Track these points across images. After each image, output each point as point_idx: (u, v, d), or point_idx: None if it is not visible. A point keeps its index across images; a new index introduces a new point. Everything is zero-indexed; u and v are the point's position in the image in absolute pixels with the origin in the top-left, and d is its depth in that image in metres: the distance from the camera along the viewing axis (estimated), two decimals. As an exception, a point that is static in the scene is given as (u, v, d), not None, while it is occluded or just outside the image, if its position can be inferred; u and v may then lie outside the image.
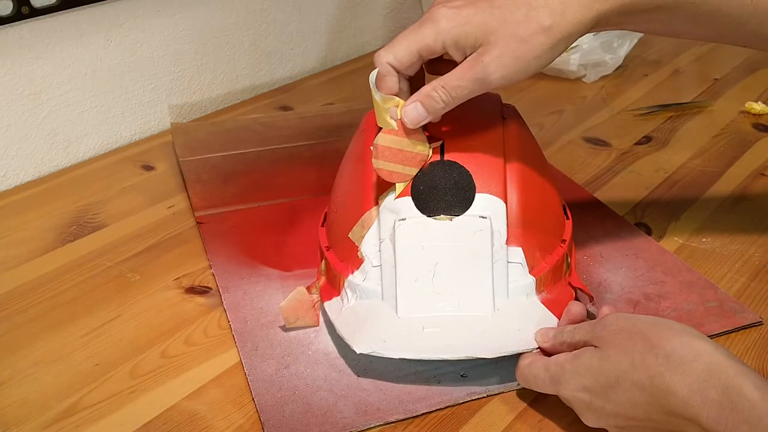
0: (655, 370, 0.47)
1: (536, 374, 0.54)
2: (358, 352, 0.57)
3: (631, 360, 0.48)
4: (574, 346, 0.53)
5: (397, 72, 0.57)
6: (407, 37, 0.56)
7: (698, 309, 0.64)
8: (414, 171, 0.60)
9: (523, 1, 0.53)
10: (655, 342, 0.48)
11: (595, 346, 0.51)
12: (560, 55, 0.55)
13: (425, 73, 0.61)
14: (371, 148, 0.58)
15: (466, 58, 0.55)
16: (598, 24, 0.55)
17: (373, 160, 0.58)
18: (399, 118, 0.57)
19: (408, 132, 0.58)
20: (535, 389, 0.55)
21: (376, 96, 0.58)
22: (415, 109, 0.57)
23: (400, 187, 0.59)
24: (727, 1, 0.55)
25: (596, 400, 0.50)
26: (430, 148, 0.60)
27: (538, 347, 0.56)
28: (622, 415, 0.49)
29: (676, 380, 0.46)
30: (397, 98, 0.57)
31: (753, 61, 1.14)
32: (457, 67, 0.55)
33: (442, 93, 0.55)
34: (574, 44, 1.07)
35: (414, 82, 0.59)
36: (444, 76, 0.55)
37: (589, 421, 0.51)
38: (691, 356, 0.46)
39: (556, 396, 0.54)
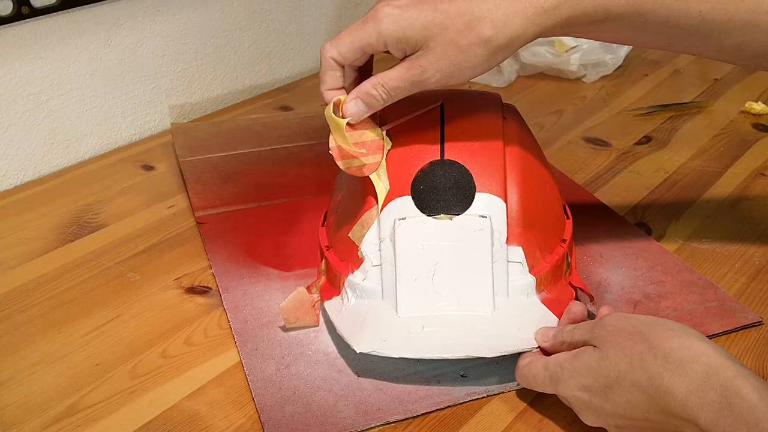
0: (654, 370, 0.47)
1: (535, 374, 0.54)
2: (358, 352, 0.57)
3: (630, 360, 0.48)
4: (573, 346, 0.53)
5: (342, 66, 0.58)
6: (351, 34, 0.56)
7: (698, 309, 0.64)
8: (380, 157, 0.60)
9: (467, 9, 0.53)
10: (654, 342, 0.48)
11: (595, 346, 0.51)
12: (498, 64, 0.57)
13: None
14: (330, 152, 0.60)
15: (405, 57, 0.56)
16: (541, 36, 0.55)
17: (337, 163, 0.60)
18: (341, 114, 0.59)
19: (354, 126, 0.59)
20: (534, 389, 0.55)
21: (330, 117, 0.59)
22: (355, 105, 0.58)
23: (381, 195, 0.60)
24: (675, 12, 0.55)
25: (595, 399, 0.50)
26: (382, 130, 0.61)
27: (538, 347, 0.56)
28: (621, 415, 0.49)
29: (674, 381, 0.46)
30: (339, 96, 0.58)
31: (753, 61, 1.14)
32: (397, 67, 0.56)
33: (381, 92, 0.57)
34: (573, 44, 1.07)
35: (364, 71, 0.61)
36: (385, 73, 0.56)
37: (589, 420, 0.52)
38: (690, 357, 0.46)
39: (555, 396, 0.54)
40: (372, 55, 0.60)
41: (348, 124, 0.59)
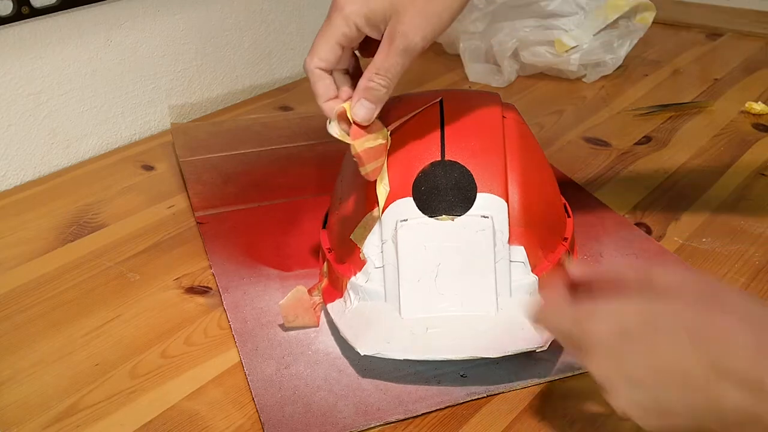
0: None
1: (560, 309, 0.48)
2: (362, 354, 0.57)
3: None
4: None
5: (330, 72, 0.57)
6: (323, 35, 0.56)
7: (698, 309, 0.64)
8: (383, 161, 0.60)
9: None
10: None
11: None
12: (468, 3, 0.56)
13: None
14: (353, 159, 0.58)
15: (382, 33, 0.55)
16: None
17: (360, 168, 0.59)
18: (351, 120, 0.57)
19: (366, 128, 0.58)
20: (552, 325, 0.49)
21: (334, 132, 0.58)
22: (362, 106, 0.56)
23: (382, 197, 0.60)
24: None
25: (635, 338, 0.43)
26: (387, 131, 0.60)
27: (540, 346, 0.55)
28: (659, 368, 0.42)
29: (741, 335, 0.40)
30: (342, 105, 0.57)
31: (753, 61, 1.14)
32: (380, 49, 0.55)
33: (379, 80, 0.56)
34: (573, 44, 1.07)
35: (354, 76, 0.59)
36: (373, 61, 0.56)
37: (603, 366, 0.44)
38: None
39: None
40: (356, 57, 0.59)
41: (355, 129, 0.57)
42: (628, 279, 0.47)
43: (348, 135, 0.57)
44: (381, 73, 0.55)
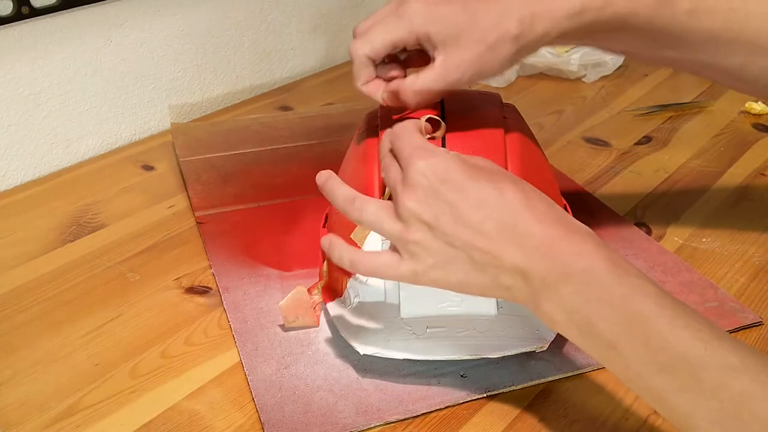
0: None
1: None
2: (362, 354, 0.57)
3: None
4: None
5: (374, 61, 0.59)
6: (383, 27, 0.57)
7: (698, 309, 0.64)
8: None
9: (496, 7, 0.55)
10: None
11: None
12: (520, 61, 0.59)
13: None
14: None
15: (435, 50, 0.56)
16: (562, 39, 0.57)
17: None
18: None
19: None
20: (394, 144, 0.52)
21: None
22: (389, 97, 0.59)
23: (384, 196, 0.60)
24: (686, 27, 0.57)
25: (445, 185, 0.48)
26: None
27: (541, 346, 0.56)
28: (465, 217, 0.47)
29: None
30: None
31: (753, 61, 1.13)
32: (432, 69, 0.57)
33: (419, 99, 0.58)
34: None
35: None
36: (422, 77, 0.57)
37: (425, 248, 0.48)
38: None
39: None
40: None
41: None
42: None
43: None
44: (423, 94, 0.58)
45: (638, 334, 0.43)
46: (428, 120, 0.57)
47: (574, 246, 0.46)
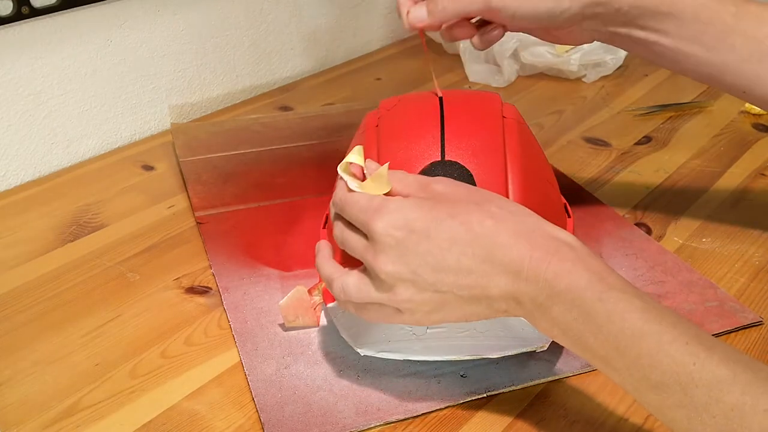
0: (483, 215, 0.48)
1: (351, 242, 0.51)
2: (362, 354, 0.57)
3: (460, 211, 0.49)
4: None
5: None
6: None
7: (698, 309, 0.64)
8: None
9: None
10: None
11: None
12: (561, 10, 0.62)
13: None
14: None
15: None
16: (606, 10, 0.61)
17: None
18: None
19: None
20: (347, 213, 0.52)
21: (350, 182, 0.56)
22: (419, 10, 0.63)
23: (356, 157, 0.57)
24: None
25: (411, 238, 0.47)
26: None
27: (541, 347, 0.56)
28: (436, 260, 0.47)
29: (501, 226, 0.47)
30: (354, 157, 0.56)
31: (753, 61, 1.13)
32: None
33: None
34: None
35: None
36: None
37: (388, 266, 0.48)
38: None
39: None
40: None
41: (353, 173, 0.55)
42: (410, 186, 0.52)
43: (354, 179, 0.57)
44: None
45: (627, 353, 0.43)
46: (351, 155, 0.55)
47: (552, 265, 0.46)
